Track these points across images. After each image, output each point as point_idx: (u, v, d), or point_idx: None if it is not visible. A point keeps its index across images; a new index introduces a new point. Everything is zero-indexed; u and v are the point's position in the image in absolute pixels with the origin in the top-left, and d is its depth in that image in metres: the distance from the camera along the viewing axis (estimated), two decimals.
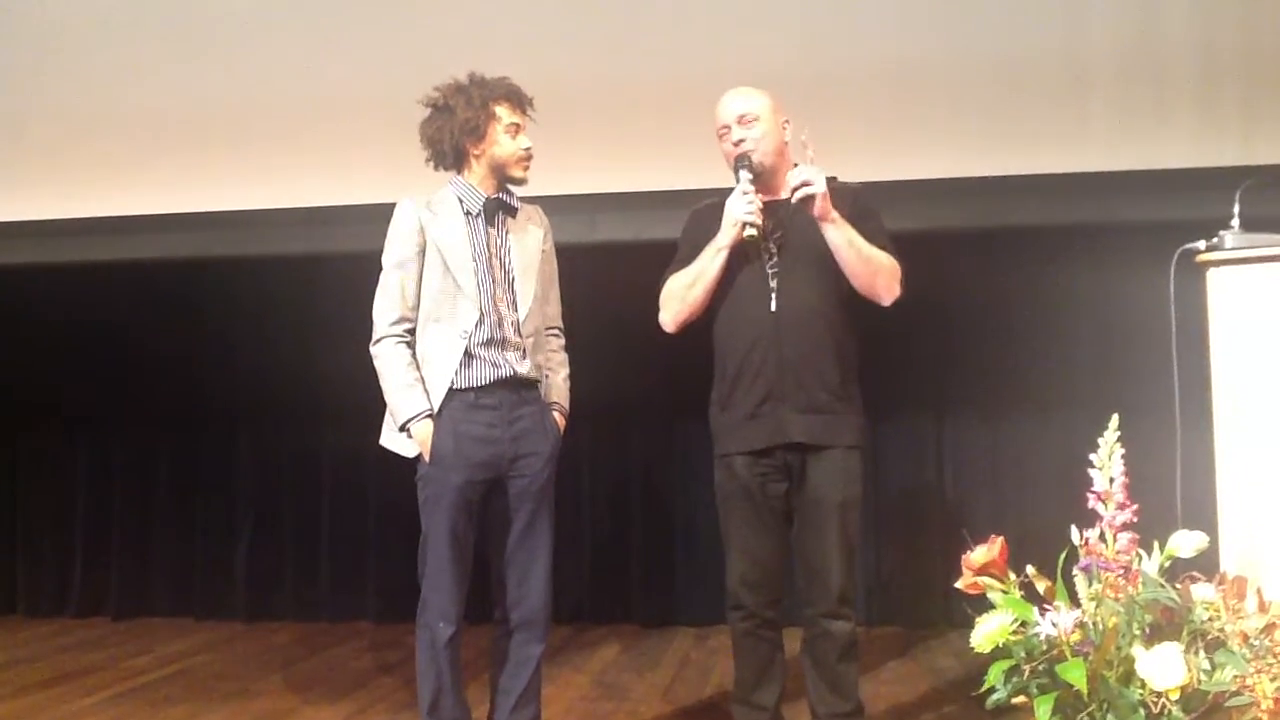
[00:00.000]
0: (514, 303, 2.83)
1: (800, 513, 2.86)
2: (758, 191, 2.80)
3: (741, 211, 2.76)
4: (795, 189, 2.70)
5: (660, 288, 2.95)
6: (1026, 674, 2.06)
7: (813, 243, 2.82)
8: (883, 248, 2.83)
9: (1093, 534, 2.13)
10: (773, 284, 2.81)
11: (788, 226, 2.84)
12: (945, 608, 4.57)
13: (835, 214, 2.73)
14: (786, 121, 2.89)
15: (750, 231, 2.76)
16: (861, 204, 2.88)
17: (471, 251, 2.80)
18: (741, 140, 2.82)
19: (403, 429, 2.77)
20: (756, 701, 2.92)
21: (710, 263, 2.83)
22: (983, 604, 2.16)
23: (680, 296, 2.89)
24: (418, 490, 2.83)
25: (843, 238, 2.74)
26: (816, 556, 2.84)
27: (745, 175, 2.79)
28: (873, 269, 2.78)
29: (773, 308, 2.80)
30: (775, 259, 2.83)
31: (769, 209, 2.82)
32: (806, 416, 2.80)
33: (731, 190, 2.84)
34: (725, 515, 2.92)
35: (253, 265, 4.71)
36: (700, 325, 2.92)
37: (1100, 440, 2.16)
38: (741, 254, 2.82)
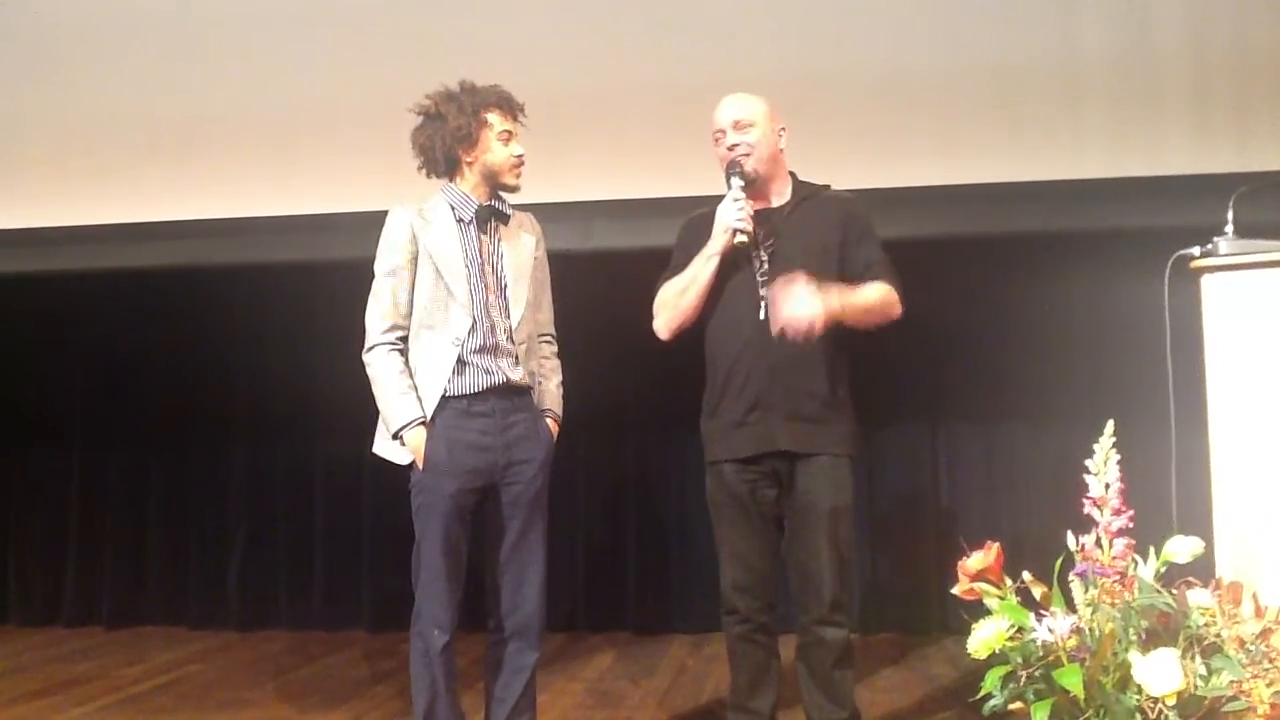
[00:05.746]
0: (506, 310, 2.82)
1: (790, 520, 2.86)
2: (750, 198, 2.80)
3: (732, 218, 2.76)
4: (782, 329, 2.66)
5: (655, 294, 2.95)
6: (1023, 680, 2.06)
7: (804, 251, 2.82)
8: (879, 271, 2.83)
9: (1089, 540, 2.13)
10: (763, 292, 2.80)
11: (780, 234, 2.84)
12: (941, 614, 4.56)
13: (830, 302, 2.66)
14: (783, 129, 2.89)
15: (741, 239, 2.76)
16: (856, 222, 2.88)
17: (464, 259, 2.79)
18: (735, 146, 2.82)
19: (396, 436, 2.76)
20: (752, 708, 2.91)
21: (702, 269, 2.83)
22: (979, 610, 2.16)
23: (673, 303, 2.89)
24: (411, 498, 2.81)
25: (849, 313, 2.73)
26: (808, 564, 2.84)
27: (737, 182, 2.79)
28: (874, 315, 2.79)
29: (762, 316, 2.79)
30: (766, 267, 2.82)
31: (761, 216, 2.82)
32: (794, 425, 2.79)
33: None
34: (717, 522, 2.93)
35: (245, 273, 4.71)
36: (694, 332, 2.92)
37: (1096, 446, 2.16)
38: (733, 261, 2.82)
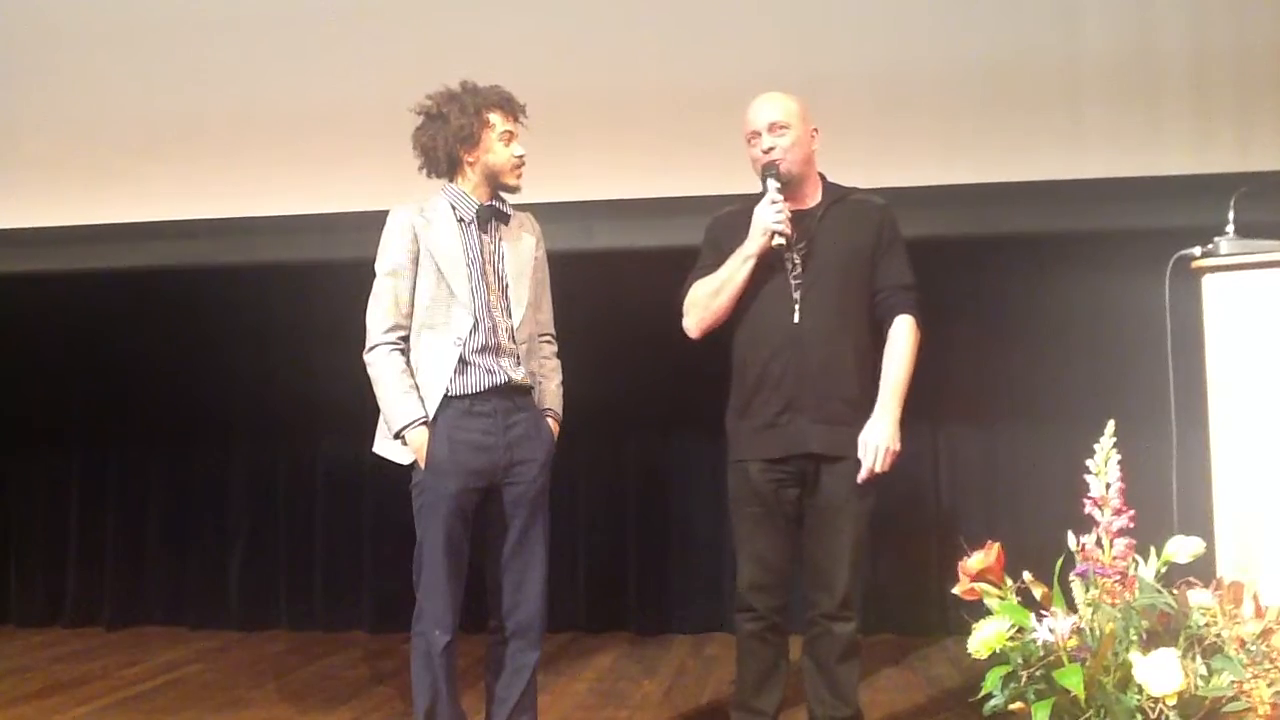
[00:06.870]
0: (508, 309, 2.82)
1: (811, 517, 2.86)
2: (785, 200, 2.79)
3: (771, 220, 2.76)
4: (869, 473, 2.80)
5: (683, 293, 2.95)
6: (1024, 680, 2.05)
7: (837, 255, 2.84)
8: (900, 299, 2.87)
9: (1089, 540, 2.13)
10: (796, 295, 2.81)
11: (813, 236, 2.84)
12: (941, 615, 4.56)
13: (894, 426, 2.81)
14: (815, 130, 2.89)
15: (779, 241, 2.76)
16: (888, 232, 2.89)
17: (465, 258, 2.80)
18: (771, 148, 2.81)
19: (398, 436, 2.76)
20: (757, 706, 2.92)
21: (737, 271, 2.82)
22: (980, 610, 2.16)
23: (704, 304, 2.89)
24: (413, 498, 2.81)
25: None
26: (824, 560, 2.85)
27: (774, 184, 2.79)
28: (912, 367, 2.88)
29: (795, 319, 2.80)
30: (799, 269, 2.82)
31: (795, 218, 2.81)
32: (824, 427, 2.80)
33: (736, 195, 2.84)
34: (737, 520, 2.93)
35: (246, 273, 4.70)
36: (714, 333, 2.92)
37: (1096, 446, 2.16)
38: (765, 263, 2.82)
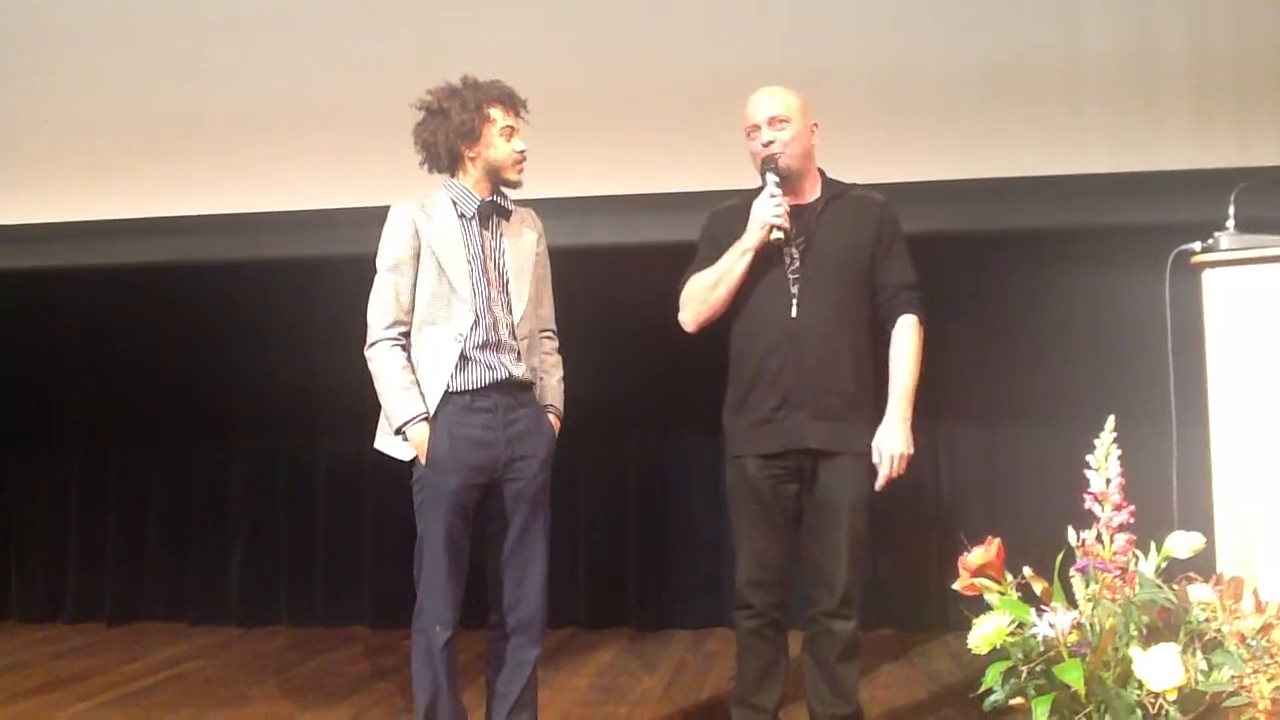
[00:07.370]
0: (509, 305, 2.82)
1: (810, 514, 2.86)
2: (784, 194, 2.79)
3: (769, 214, 2.76)
4: (887, 480, 2.83)
5: (680, 287, 2.94)
6: (1024, 675, 2.05)
7: (836, 250, 2.83)
8: (905, 299, 2.87)
9: (1089, 535, 2.13)
10: (794, 290, 2.81)
11: (811, 232, 2.84)
12: (941, 610, 4.56)
13: (906, 428, 2.84)
14: (815, 124, 2.88)
15: (777, 235, 2.76)
16: (889, 229, 2.89)
17: (466, 254, 2.79)
18: (770, 142, 2.81)
19: (399, 432, 2.76)
20: (757, 703, 2.92)
21: (735, 264, 2.82)
22: (980, 605, 2.16)
23: (702, 298, 2.88)
24: (413, 494, 2.81)
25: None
26: (824, 557, 2.84)
27: (772, 178, 2.79)
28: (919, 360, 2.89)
29: (793, 314, 2.80)
30: (797, 264, 2.82)
31: (793, 213, 2.81)
32: (821, 423, 2.80)
33: (735, 190, 2.83)
34: (736, 516, 2.93)
35: (247, 269, 4.70)
36: (711, 328, 2.92)
37: (1096, 442, 2.16)
38: (763, 257, 2.82)
